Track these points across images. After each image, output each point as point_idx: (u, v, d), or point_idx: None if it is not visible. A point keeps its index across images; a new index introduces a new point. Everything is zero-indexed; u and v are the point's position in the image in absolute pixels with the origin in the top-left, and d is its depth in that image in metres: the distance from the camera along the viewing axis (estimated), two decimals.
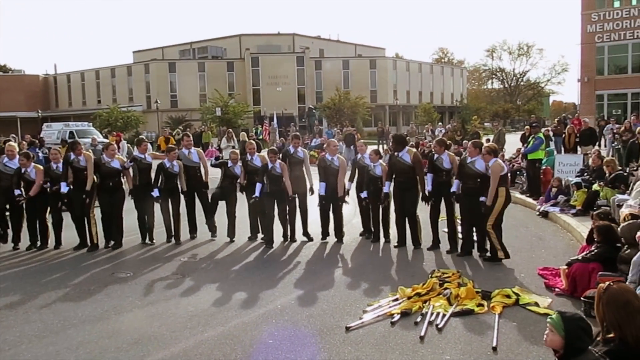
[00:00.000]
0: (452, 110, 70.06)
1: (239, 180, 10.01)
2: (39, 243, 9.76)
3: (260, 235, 9.90)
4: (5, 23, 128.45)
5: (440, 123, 43.91)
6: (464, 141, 20.53)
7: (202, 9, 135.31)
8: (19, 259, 9.06)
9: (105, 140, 27.47)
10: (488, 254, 8.19)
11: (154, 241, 9.86)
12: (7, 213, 10.05)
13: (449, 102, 71.61)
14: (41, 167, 9.86)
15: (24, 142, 19.57)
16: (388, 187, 9.10)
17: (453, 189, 8.70)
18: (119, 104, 53.35)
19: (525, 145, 14.89)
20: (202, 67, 61.34)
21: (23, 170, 9.63)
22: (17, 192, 9.52)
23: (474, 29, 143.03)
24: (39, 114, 52.04)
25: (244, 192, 9.97)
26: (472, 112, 55.19)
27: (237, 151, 10.81)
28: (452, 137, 23.45)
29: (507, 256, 7.90)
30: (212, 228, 10.22)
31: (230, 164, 10.04)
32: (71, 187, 9.46)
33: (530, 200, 13.01)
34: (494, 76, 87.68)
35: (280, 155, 9.99)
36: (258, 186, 9.50)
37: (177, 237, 9.93)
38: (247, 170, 9.87)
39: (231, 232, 9.93)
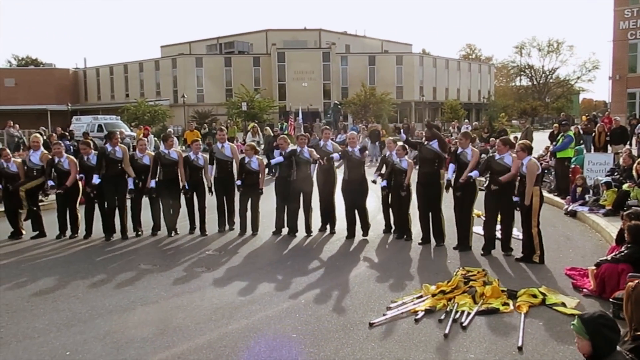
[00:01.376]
0: (479, 107, 69.36)
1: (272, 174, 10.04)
2: (69, 232, 9.96)
3: (285, 230, 9.93)
4: (36, 18, 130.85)
5: (466, 120, 43.53)
6: (491, 139, 20.33)
7: (230, 4, 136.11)
8: (49, 248, 9.24)
9: (133, 134, 27.89)
10: (513, 252, 8.12)
11: (178, 233, 9.97)
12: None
13: (476, 99, 70.88)
14: (74, 159, 10.05)
15: (54, 135, 19.94)
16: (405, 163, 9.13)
17: (448, 176, 8.80)
18: (147, 97, 54.11)
19: (554, 143, 14.65)
20: (229, 62, 61.73)
21: (56, 161, 9.83)
22: (50, 182, 9.71)
23: (502, 25, 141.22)
24: (69, 107, 52.95)
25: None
26: (499, 109, 54.58)
27: (253, 144, 10.84)
28: (480, 134, 23.21)
29: (542, 261, 7.79)
30: (231, 223, 10.27)
31: (247, 159, 10.03)
32: (99, 179, 9.62)
33: (557, 199, 12.80)
34: (522, 73, 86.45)
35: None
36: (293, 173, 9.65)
37: (202, 230, 10.03)
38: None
39: (255, 226, 9.98)
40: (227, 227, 10.18)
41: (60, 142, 10.22)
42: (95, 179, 9.58)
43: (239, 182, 9.82)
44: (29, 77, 64.79)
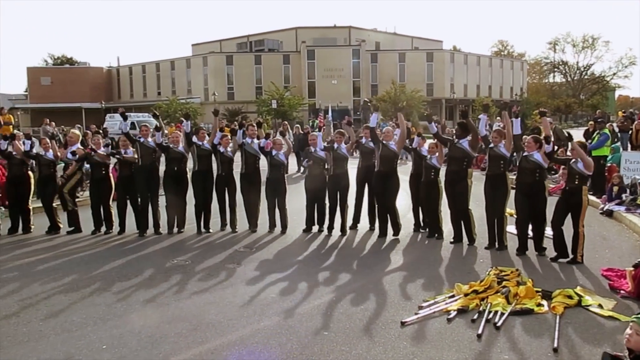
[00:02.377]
0: (511, 104, 68.32)
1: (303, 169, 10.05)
2: (103, 228, 10.17)
3: (315, 228, 9.95)
4: (72, 18, 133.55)
5: (498, 117, 42.85)
6: (524, 136, 19.98)
7: (260, 2, 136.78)
8: (84, 244, 9.44)
9: (165, 131, 28.22)
10: (546, 253, 8.02)
11: (210, 230, 10.06)
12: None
13: (508, 96, 69.78)
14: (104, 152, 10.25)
15: (89, 132, 20.34)
16: (436, 160, 9.11)
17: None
18: (178, 95, 54.76)
19: (589, 141, 14.33)
20: (259, 59, 62.08)
21: (93, 153, 10.11)
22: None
23: (535, 21, 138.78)
24: (103, 105, 53.98)
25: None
26: (532, 106, 53.61)
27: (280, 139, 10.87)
28: None
29: (582, 261, 7.67)
30: (254, 224, 10.24)
31: (274, 152, 10.07)
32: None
33: (593, 198, 12.53)
34: (556, 69, 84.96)
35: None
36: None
37: (233, 227, 10.12)
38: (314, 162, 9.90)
39: (283, 223, 10.01)
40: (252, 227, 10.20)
41: (99, 134, 10.44)
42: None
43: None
44: (65, 76, 66.28)
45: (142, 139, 9.90)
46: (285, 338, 5.23)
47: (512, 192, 8.53)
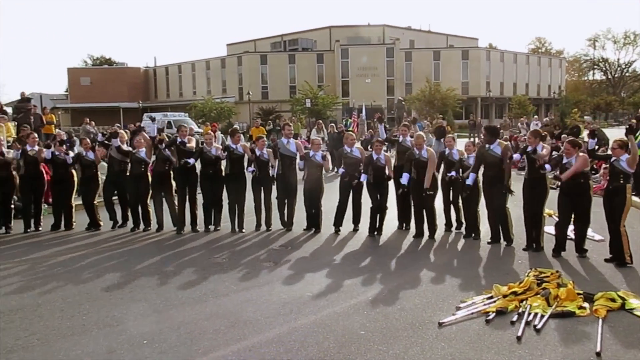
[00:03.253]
0: (548, 102, 67.03)
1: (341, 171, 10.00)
2: (142, 226, 10.37)
3: (349, 228, 9.93)
4: (110, 19, 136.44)
5: (535, 116, 42.05)
6: (563, 135, 19.59)
7: (294, 2, 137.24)
8: (124, 240, 9.66)
9: (200, 130, 28.63)
10: (587, 254, 7.86)
11: (244, 230, 10.14)
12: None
13: (546, 94, 68.52)
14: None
15: (128, 131, 20.72)
16: (472, 180, 8.85)
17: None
18: (213, 95, 55.36)
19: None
20: (293, 59, 62.31)
21: (135, 152, 10.37)
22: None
23: (575, 17, 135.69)
24: (140, 105, 54.94)
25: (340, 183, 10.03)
26: (571, 104, 52.48)
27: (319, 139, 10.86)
28: (551, 130, 22.43)
29: (631, 261, 7.49)
30: (290, 223, 10.29)
31: (312, 153, 10.08)
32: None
33: (636, 198, 12.20)
34: (595, 67, 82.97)
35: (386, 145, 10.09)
36: (363, 177, 9.62)
37: (268, 225, 10.19)
38: (346, 163, 9.86)
39: (317, 223, 10.02)
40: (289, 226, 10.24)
41: (142, 133, 10.63)
42: (192, 161, 9.98)
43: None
44: (103, 76, 67.69)
45: (179, 140, 10.06)
46: (322, 337, 5.25)
47: (550, 193, 8.37)
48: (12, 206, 10.66)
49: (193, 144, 10.27)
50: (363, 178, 9.62)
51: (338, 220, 9.91)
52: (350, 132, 11.03)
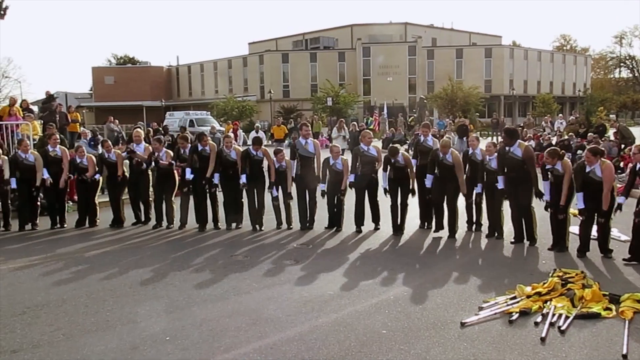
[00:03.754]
0: (573, 101, 66.07)
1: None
2: (165, 223, 10.48)
3: (370, 227, 9.91)
4: (134, 19, 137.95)
5: (560, 115, 41.51)
6: (589, 134, 19.31)
7: (315, 0, 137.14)
8: (147, 237, 9.77)
9: (222, 129, 28.81)
10: (612, 254, 7.75)
11: (263, 228, 10.16)
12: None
13: (571, 92, 67.50)
14: (170, 152, 10.55)
15: (150, 129, 20.96)
16: (502, 183, 8.74)
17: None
18: (235, 93, 55.63)
19: None
20: (314, 57, 62.32)
21: (156, 154, 10.45)
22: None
23: (600, 14, 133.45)
24: (163, 103, 55.49)
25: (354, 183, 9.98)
26: (596, 103, 51.59)
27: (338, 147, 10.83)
28: (576, 129, 22.12)
29: None
30: (312, 221, 10.26)
31: (332, 161, 9.96)
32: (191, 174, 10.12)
33: None
34: (622, 64, 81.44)
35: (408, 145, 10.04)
36: (383, 175, 9.61)
37: (288, 223, 10.22)
38: (362, 161, 9.83)
39: (339, 222, 9.99)
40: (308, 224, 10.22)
41: (160, 137, 10.75)
42: (188, 174, 10.01)
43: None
44: (127, 75, 68.46)
45: (200, 147, 10.15)
46: (344, 335, 5.23)
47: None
48: (38, 204, 10.84)
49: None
50: (383, 177, 9.61)
51: (358, 219, 9.89)
52: (368, 131, 10.97)
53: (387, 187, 9.67)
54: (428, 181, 9.39)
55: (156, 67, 73.13)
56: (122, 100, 60.08)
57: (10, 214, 10.67)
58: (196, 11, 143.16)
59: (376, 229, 9.91)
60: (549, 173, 8.20)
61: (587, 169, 7.74)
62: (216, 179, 10.08)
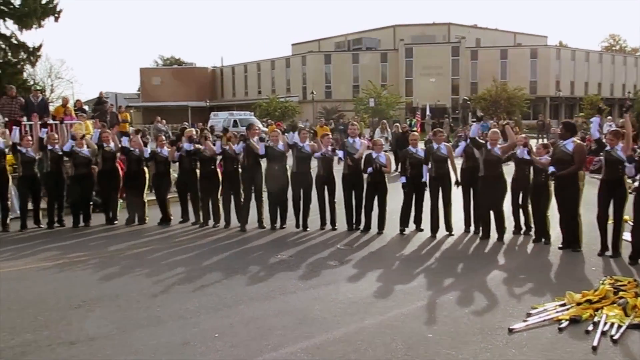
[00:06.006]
0: (622, 102, 63.99)
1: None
2: (211, 222, 10.71)
3: (409, 229, 9.88)
4: (180, 21, 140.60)
5: (609, 117, 40.28)
6: None
7: (358, 2, 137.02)
8: (193, 236, 10.00)
9: (266, 129, 29.06)
10: None
11: (309, 229, 10.24)
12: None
13: (620, 93, 65.41)
14: (213, 147, 10.72)
15: (198, 130, 21.32)
16: (553, 169, 8.42)
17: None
18: (277, 94, 56.09)
19: None
20: (356, 58, 62.30)
21: (203, 150, 10.74)
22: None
23: None
24: (207, 104, 56.37)
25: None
26: None
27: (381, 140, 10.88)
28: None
29: None
30: (359, 221, 10.25)
31: (374, 154, 9.97)
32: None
33: None
34: None
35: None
36: (424, 168, 9.66)
37: (332, 224, 10.26)
38: (410, 163, 9.82)
39: (381, 223, 9.97)
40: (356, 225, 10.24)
41: (207, 132, 11.02)
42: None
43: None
44: (173, 76, 69.77)
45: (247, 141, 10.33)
46: (390, 338, 5.25)
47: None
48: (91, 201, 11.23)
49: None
50: (424, 170, 9.65)
51: (403, 220, 9.87)
52: (415, 133, 10.95)
53: (428, 184, 9.67)
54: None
55: (201, 68, 74.36)
56: (167, 101, 61.30)
57: (64, 210, 11.07)
58: (241, 13, 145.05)
59: (419, 230, 9.87)
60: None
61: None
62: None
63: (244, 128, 13.89)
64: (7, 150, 10.59)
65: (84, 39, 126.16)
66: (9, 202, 10.65)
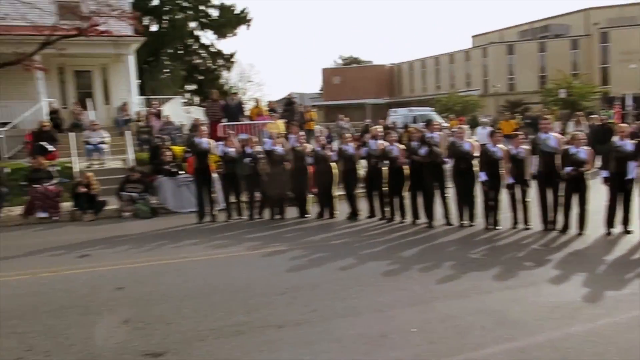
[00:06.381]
0: None
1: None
2: (397, 217, 10.87)
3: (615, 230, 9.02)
4: (357, 20, 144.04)
5: None
6: None
7: None
8: (380, 231, 10.22)
9: (447, 124, 28.57)
10: None
11: (500, 227, 9.84)
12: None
13: None
14: (402, 146, 10.84)
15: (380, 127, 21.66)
16: None
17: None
18: (457, 88, 54.78)
19: None
20: (543, 47, 58.46)
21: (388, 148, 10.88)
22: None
23: None
24: (386, 101, 57.00)
25: None
26: None
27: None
28: None
29: None
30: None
31: (573, 149, 9.21)
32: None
33: None
34: None
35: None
36: (631, 165, 8.91)
37: (526, 222, 9.77)
38: (617, 157, 9.01)
39: (582, 223, 9.19)
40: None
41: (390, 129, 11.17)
42: (482, 176, 9.82)
43: (483, 175, 9.61)
44: (352, 74, 71.77)
45: (428, 134, 10.28)
46: (602, 348, 4.83)
47: None
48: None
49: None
50: (632, 172, 8.80)
51: (609, 220, 9.05)
52: (624, 125, 9.95)
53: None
54: None
55: (379, 66, 75.39)
56: (347, 99, 63.16)
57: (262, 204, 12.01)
58: (418, 9, 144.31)
59: (627, 232, 8.97)
60: None
61: None
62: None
63: (423, 124, 13.88)
64: (212, 149, 11.71)
65: (269, 43, 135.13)
66: (215, 195, 11.84)
